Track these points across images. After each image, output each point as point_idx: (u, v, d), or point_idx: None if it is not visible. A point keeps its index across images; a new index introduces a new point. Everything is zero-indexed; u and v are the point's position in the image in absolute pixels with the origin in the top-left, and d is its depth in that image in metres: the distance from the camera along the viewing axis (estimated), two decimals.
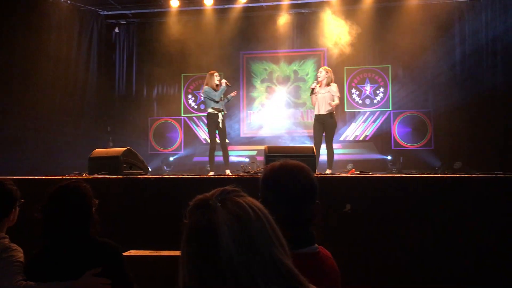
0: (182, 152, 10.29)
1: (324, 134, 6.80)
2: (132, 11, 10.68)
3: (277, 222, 1.51)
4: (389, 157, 9.56)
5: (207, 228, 1.00)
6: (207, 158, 9.24)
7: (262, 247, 1.00)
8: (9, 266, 2.19)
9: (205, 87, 7.06)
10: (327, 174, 6.02)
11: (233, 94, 7.28)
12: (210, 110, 7.01)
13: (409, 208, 4.27)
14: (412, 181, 4.66)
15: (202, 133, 10.66)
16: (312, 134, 9.99)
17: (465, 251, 4.05)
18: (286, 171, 1.58)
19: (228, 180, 4.98)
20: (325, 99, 6.69)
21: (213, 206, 1.02)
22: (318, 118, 6.81)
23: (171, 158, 10.37)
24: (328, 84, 6.75)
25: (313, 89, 6.87)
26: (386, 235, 4.19)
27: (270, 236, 1.03)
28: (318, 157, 6.70)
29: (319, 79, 6.83)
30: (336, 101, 6.72)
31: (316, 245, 1.59)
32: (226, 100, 7.14)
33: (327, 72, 6.82)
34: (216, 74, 7.10)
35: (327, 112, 6.71)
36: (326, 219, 3.83)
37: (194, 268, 1.01)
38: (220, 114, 6.96)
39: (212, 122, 7.01)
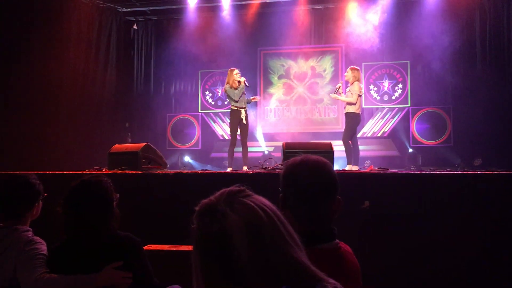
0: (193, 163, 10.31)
1: (356, 131, 7.15)
2: (150, 8, 10.74)
3: (298, 217, 1.53)
4: (410, 150, 9.49)
5: (218, 235, 0.97)
6: (224, 154, 9.31)
7: (276, 248, 0.98)
8: (32, 259, 2.23)
9: (226, 86, 7.13)
10: (345, 170, 6.00)
11: (254, 99, 7.40)
12: (232, 107, 7.08)
13: (428, 205, 4.23)
14: (431, 178, 4.62)
15: (219, 129, 10.70)
16: (329, 131, 10.03)
17: (486, 248, 4.00)
18: (307, 166, 1.58)
19: (245, 175, 4.99)
20: (347, 98, 6.97)
21: (223, 212, 0.99)
22: (345, 115, 7.12)
23: (186, 159, 10.38)
24: (352, 83, 6.92)
25: (337, 89, 7.14)
26: (405, 232, 4.16)
27: (283, 235, 1.00)
28: (351, 153, 6.89)
29: (346, 79, 7.05)
30: (345, 98, 6.96)
31: (337, 240, 1.59)
32: (247, 99, 7.20)
33: (353, 71, 6.99)
34: (236, 72, 7.10)
35: (346, 112, 6.98)
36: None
37: (208, 275, 0.99)
38: (243, 111, 7.00)
39: (234, 119, 7.06)
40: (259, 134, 10.11)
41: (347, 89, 7.05)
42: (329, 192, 1.57)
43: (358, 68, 7.25)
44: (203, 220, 1.01)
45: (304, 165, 1.58)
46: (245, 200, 1.02)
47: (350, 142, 6.91)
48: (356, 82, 6.90)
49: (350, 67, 7.25)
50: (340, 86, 7.16)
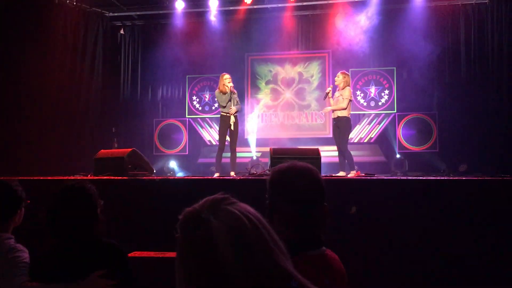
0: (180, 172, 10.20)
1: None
2: (137, 13, 10.69)
3: (285, 224, 1.52)
4: (398, 156, 9.53)
5: (202, 243, 0.96)
6: (211, 160, 9.27)
7: (261, 255, 0.97)
8: (15, 267, 2.19)
9: (216, 91, 7.15)
10: (332, 176, 6.01)
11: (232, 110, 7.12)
12: (222, 112, 7.07)
13: (414, 210, 4.25)
14: (417, 183, 4.65)
15: (207, 135, 10.66)
16: (316, 136, 10.07)
17: (470, 253, 4.03)
18: (293, 172, 1.57)
19: (233, 181, 4.98)
20: (338, 102, 6.87)
21: (206, 220, 0.98)
22: (334, 121, 7.06)
23: (172, 165, 10.26)
24: (343, 88, 6.89)
25: (327, 93, 7.08)
26: (392, 238, 4.18)
27: (268, 242, 1.00)
28: (344, 159, 6.84)
29: (336, 83, 6.99)
30: (339, 105, 6.81)
31: (324, 247, 1.58)
32: (237, 105, 7.15)
33: (344, 76, 6.97)
34: (226, 77, 7.10)
35: (338, 116, 6.89)
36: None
37: (191, 283, 0.98)
38: (232, 117, 6.98)
39: (223, 124, 7.07)
40: (251, 140, 10.09)
41: (337, 94, 6.98)
42: (316, 199, 1.56)
43: (348, 73, 7.27)
44: (187, 228, 1.00)
45: (291, 172, 1.57)
46: (229, 208, 1.01)
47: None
48: (347, 87, 6.91)
49: (340, 71, 7.22)
50: (330, 91, 7.12)
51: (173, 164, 10.31)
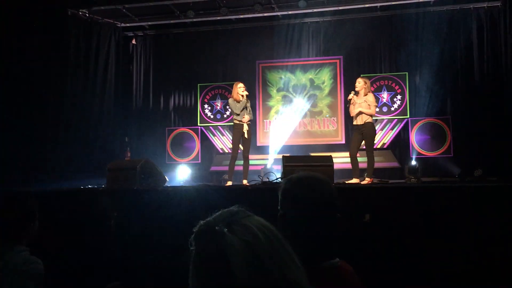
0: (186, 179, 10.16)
1: (363, 143, 6.84)
2: (149, 23, 10.79)
3: (298, 235, 1.50)
4: (413, 162, 9.39)
5: (216, 256, 0.96)
6: (224, 168, 9.27)
7: (275, 269, 0.97)
8: (29, 279, 2.20)
9: (229, 99, 7.16)
10: (345, 182, 5.96)
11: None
12: (235, 120, 7.08)
13: (429, 217, 4.20)
14: (432, 190, 4.59)
15: (219, 143, 10.68)
16: (329, 143, 10.02)
17: (487, 261, 3.96)
18: (305, 183, 1.56)
19: (245, 189, 4.97)
20: (361, 108, 6.73)
21: (220, 233, 0.98)
22: (356, 128, 6.85)
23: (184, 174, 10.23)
24: (365, 94, 6.78)
25: (350, 99, 6.89)
26: (407, 246, 4.12)
27: (282, 257, 1.00)
28: (357, 166, 6.72)
29: (357, 89, 6.85)
30: (367, 109, 6.69)
31: (337, 259, 1.56)
32: (250, 114, 7.15)
33: (365, 82, 6.85)
34: (240, 85, 7.11)
35: (365, 122, 6.72)
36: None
37: None
38: (245, 125, 6.99)
39: (236, 132, 7.08)
40: (271, 146, 10.07)
41: (359, 100, 6.78)
42: (329, 210, 1.55)
43: (367, 79, 7.17)
44: (201, 240, 1.00)
45: (303, 182, 1.56)
46: (243, 221, 1.01)
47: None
48: (370, 93, 6.82)
49: (360, 77, 7.13)
50: (352, 97, 6.88)
51: (185, 172, 10.31)
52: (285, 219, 1.56)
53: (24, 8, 7.93)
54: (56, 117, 8.51)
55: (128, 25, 10.67)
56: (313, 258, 1.47)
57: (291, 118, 10.33)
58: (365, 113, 6.68)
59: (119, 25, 10.51)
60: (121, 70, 10.49)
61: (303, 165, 4.93)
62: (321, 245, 1.54)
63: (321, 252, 1.53)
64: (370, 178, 6.55)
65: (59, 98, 8.63)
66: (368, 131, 6.72)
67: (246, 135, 7.01)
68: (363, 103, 6.71)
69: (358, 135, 6.82)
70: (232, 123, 7.32)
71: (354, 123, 6.88)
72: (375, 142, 9.57)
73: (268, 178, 6.18)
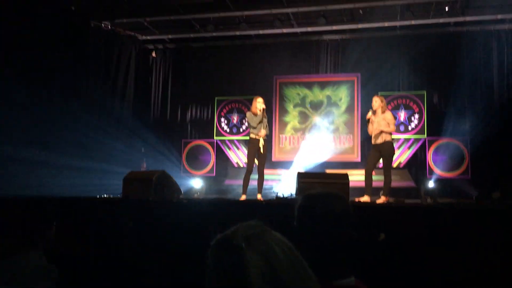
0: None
1: (379, 162, 6.74)
2: (169, 36, 10.95)
3: (313, 252, 1.50)
4: (432, 184, 9.25)
5: (234, 269, 0.96)
6: (238, 181, 9.27)
7: (292, 284, 0.97)
8: (45, 285, 2.21)
9: (247, 113, 7.17)
10: (358, 201, 5.91)
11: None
12: (251, 135, 7.08)
13: (446, 239, 4.14)
14: (449, 211, 4.53)
15: (234, 157, 10.71)
16: (344, 160, 9.97)
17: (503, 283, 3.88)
18: (322, 200, 1.56)
19: (259, 204, 4.97)
20: (380, 127, 6.64)
21: (238, 247, 0.98)
22: (375, 146, 6.74)
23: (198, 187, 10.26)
24: (383, 112, 6.72)
25: (369, 119, 6.82)
26: (423, 266, 4.06)
27: (299, 272, 1.00)
28: (371, 184, 6.64)
29: (374, 108, 6.78)
30: (386, 128, 6.63)
31: (353, 277, 1.55)
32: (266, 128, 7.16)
33: (381, 101, 6.79)
34: (259, 100, 7.13)
35: (384, 141, 6.64)
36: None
37: None
38: (261, 139, 6.99)
39: (252, 147, 7.05)
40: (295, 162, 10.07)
41: (377, 119, 6.70)
42: (345, 228, 1.54)
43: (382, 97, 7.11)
44: (218, 254, 1.00)
45: (320, 200, 1.56)
46: (261, 236, 1.01)
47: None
48: (388, 111, 6.76)
49: (376, 96, 7.07)
50: (371, 115, 6.79)
51: (198, 184, 10.34)
52: (300, 235, 1.55)
53: (48, 19, 8.12)
54: (74, 127, 8.60)
55: (148, 37, 10.85)
56: (328, 275, 1.46)
57: (307, 134, 10.32)
58: (385, 132, 6.60)
59: (140, 38, 10.68)
60: (140, 81, 10.64)
61: (318, 182, 4.91)
62: (336, 263, 1.53)
63: (336, 270, 1.52)
64: (386, 197, 6.48)
65: (78, 107, 8.75)
66: (387, 150, 6.63)
67: (261, 150, 7.00)
68: (382, 121, 6.63)
69: (376, 152, 6.73)
70: (248, 138, 7.34)
71: (373, 142, 6.77)
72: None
73: (283, 194, 6.16)
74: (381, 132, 6.61)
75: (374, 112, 6.77)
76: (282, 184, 9.43)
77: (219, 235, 1.04)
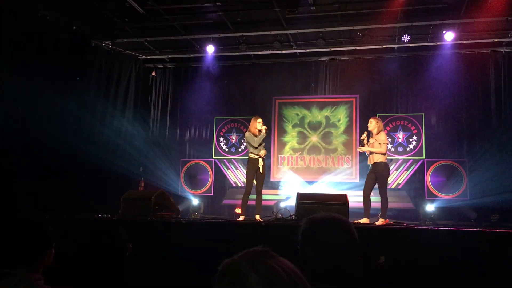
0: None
1: (376, 183, 6.78)
2: (169, 56, 11.02)
3: (317, 277, 1.48)
4: (432, 208, 9.16)
5: None
6: (236, 201, 9.24)
7: None
8: None
9: (246, 133, 7.19)
10: (360, 223, 5.89)
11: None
12: (251, 155, 7.09)
13: (446, 261, 4.11)
14: (448, 233, 4.51)
15: (232, 176, 10.68)
16: (343, 180, 9.96)
17: None
18: (326, 225, 1.55)
19: (258, 225, 4.93)
20: (372, 148, 6.74)
21: (245, 273, 0.97)
22: (370, 168, 6.84)
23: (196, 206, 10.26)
24: (377, 133, 6.78)
25: (362, 140, 6.93)
26: None
27: None
28: (369, 206, 6.65)
29: (369, 129, 6.87)
30: (377, 149, 6.67)
31: None
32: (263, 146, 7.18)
33: (377, 122, 6.87)
34: (259, 120, 7.17)
35: (376, 162, 6.69)
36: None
37: None
38: (260, 160, 7.00)
39: (251, 166, 7.07)
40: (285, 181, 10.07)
41: (371, 140, 6.82)
42: (350, 252, 1.53)
43: (379, 119, 7.17)
44: (225, 280, 0.99)
45: (324, 224, 1.55)
46: (268, 262, 1.00)
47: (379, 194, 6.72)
48: (381, 132, 6.82)
49: (372, 117, 7.14)
50: (365, 137, 6.92)
51: (195, 204, 10.30)
52: (305, 259, 1.54)
53: (50, 37, 8.17)
54: (72, 144, 8.55)
55: (148, 57, 10.91)
56: None
57: (306, 154, 10.32)
58: (375, 153, 6.67)
59: (140, 57, 10.75)
60: (140, 101, 10.65)
61: (317, 203, 4.90)
62: (342, 286, 1.52)
63: None
64: (385, 219, 6.46)
65: (77, 126, 8.73)
66: (380, 171, 6.67)
67: (261, 170, 7.01)
68: (375, 142, 6.73)
69: (372, 174, 6.78)
70: (246, 157, 7.34)
71: (368, 163, 6.89)
72: (389, 182, 9.51)
73: (281, 215, 6.13)
74: (372, 153, 6.69)
75: (371, 134, 6.84)
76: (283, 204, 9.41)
77: (226, 260, 1.03)
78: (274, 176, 10.42)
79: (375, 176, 6.71)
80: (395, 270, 4.11)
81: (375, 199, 7.02)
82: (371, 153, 6.74)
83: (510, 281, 3.93)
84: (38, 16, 8.05)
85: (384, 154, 6.76)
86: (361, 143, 6.97)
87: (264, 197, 7.42)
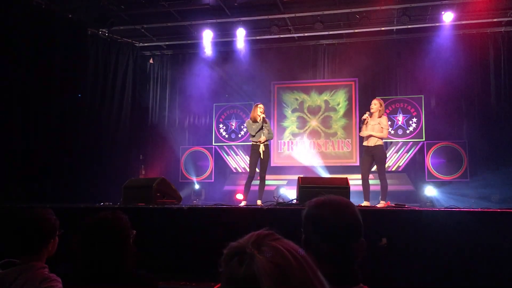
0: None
1: (374, 165, 6.75)
2: (166, 43, 10.96)
3: (321, 260, 1.49)
4: (434, 194, 9.15)
5: (247, 278, 0.95)
6: (237, 187, 9.28)
7: None
8: None
9: (247, 120, 7.19)
10: (362, 206, 5.90)
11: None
12: (252, 141, 7.10)
13: (448, 242, 4.13)
14: (450, 214, 4.52)
15: (233, 162, 10.70)
16: (343, 164, 9.98)
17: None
18: (330, 207, 1.54)
19: (260, 210, 4.95)
20: (374, 130, 6.62)
21: (251, 254, 0.97)
22: (367, 149, 6.73)
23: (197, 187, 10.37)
24: (379, 116, 6.68)
25: (364, 120, 6.76)
26: (426, 271, 4.05)
27: (311, 280, 0.98)
28: (369, 189, 6.63)
29: (372, 111, 6.74)
30: (379, 133, 6.61)
31: (361, 284, 1.54)
32: (270, 134, 7.14)
33: (381, 105, 6.75)
34: (259, 106, 7.13)
35: (375, 144, 6.62)
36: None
37: None
38: (262, 145, 7.00)
39: (253, 152, 7.09)
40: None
41: (373, 122, 6.67)
42: (353, 234, 1.53)
43: (382, 100, 7.04)
44: (231, 262, 1.00)
45: (327, 206, 1.54)
46: (274, 244, 1.00)
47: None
48: (384, 116, 6.72)
49: (376, 98, 7.01)
50: (367, 117, 6.73)
51: (196, 190, 10.35)
52: (308, 242, 1.54)
53: (46, 26, 8.10)
54: (72, 135, 8.55)
55: (146, 44, 10.84)
56: (336, 282, 1.45)
57: (306, 139, 10.32)
58: (376, 137, 6.60)
59: (137, 45, 10.68)
60: (138, 88, 10.62)
61: (319, 187, 4.90)
62: (345, 269, 1.52)
63: (344, 277, 1.51)
64: (386, 202, 6.47)
65: (76, 115, 8.70)
66: (379, 154, 6.62)
67: (262, 156, 7.01)
68: (376, 125, 6.60)
69: (368, 157, 6.71)
70: (246, 143, 7.34)
71: (365, 144, 6.75)
72: (389, 165, 9.52)
73: (283, 199, 6.15)
74: (372, 136, 6.60)
75: (371, 115, 6.74)
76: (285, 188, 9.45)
77: (232, 242, 1.03)
78: (275, 161, 10.43)
79: (372, 159, 6.68)
80: (397, 252, 4.13)
81: (374, 182, 7.02)
82: (371, 135, 6.66)
83: (511, 261, 3.95)
84: (33, 4, 7.97)
85: (384, 139, 6.72)
86: (362, 123, 6.83)
87: (266, 182, 7.42)
